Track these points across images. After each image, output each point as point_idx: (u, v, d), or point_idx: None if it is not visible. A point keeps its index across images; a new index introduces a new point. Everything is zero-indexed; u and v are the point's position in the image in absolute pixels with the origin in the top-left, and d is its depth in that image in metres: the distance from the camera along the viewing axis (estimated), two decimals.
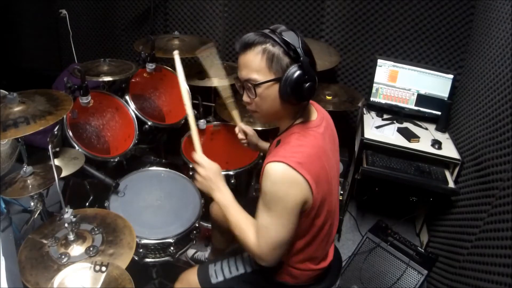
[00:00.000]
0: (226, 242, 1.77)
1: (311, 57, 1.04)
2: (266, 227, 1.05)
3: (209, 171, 1.19)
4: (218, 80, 2.19)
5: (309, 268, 1.24)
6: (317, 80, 1.05)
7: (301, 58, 1.00)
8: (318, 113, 1.17)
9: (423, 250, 1.82)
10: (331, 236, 1.26)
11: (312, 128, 1.11)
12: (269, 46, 1.01)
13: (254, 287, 1.30)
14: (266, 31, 1.03)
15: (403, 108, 2.32)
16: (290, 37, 1.01)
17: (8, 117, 1.16)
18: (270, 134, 1.31)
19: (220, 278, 1.31)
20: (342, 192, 2.29)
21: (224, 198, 1.18)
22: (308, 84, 1.02)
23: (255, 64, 1.02)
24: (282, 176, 1.00)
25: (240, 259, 1.34)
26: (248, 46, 1.03)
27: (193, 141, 1.26)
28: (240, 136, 1.54)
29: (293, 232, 1.06)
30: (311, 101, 1.18)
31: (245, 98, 1.10)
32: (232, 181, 1.88)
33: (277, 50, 1.01)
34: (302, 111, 1.12)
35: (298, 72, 1.00)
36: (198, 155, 1.22)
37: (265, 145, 1.56)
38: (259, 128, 2.01)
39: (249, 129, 1.54)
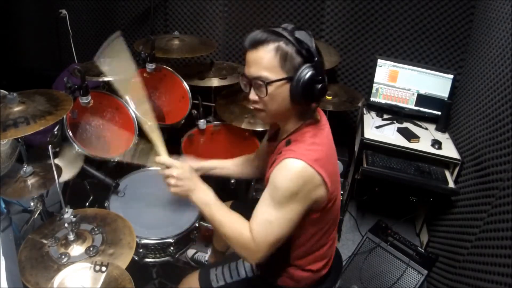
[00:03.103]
0: (227, 245, 1.77)
1: (322, 57, 1.03)
2: (270, 222, 1.02)
3: (184, 170, 1.14)
4: (218, 80, 2.20)
5: (316, 268, 1.23)
6: (326, 79, 1.03)
7: (315, 58, 0.99)
8: (320, 113, 1.18)
9: (423, 250, 1.82)
10: (336, 233, 1.27)
11: (322, 127, 1.12)
12: (282, 44, 0.99)
13: None
14: (278, 29, 1.01)
15: (403, 108, 2.32)
16: (303, 36, 1.00)
17: (8, 117, 1.16)
18: (268, 139, 1.30)
19: (221, 283, 1.30)
20: (342, 192, 2.29)
21: (207, 196, 1.13)
22: (320, 85, 1.00)
23: (266, 61, 1.00)
24: (300, 173, 0.98)
25: (241, 264, 1.33)
26: (260, 42, 1.00)
27: (155, 144, 1.20)
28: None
29: (293, 230, 1.05)
30: None
31: (253, 96, 1.06)
32: (232, 181, 1.88)
33: (290, 49, 0.99)
34: (311, 112, 1.11)
35: (311, 72, 0.98)
36: (165, 157, 1.18)
37: (211, 164, 1.47)
38: (260, 129, 2.01)
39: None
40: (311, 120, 1.11)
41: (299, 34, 1.00)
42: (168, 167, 1.16)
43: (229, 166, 1.53)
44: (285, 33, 0.99)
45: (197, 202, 1.14)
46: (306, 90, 0.99)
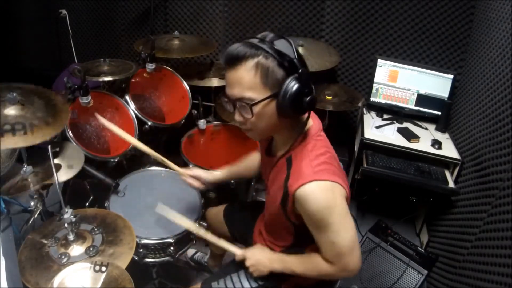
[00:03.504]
0: (222, 250, 1.76)
1: (305, 65, 0.97)
2: (333, 242, 1.02)
3: (253, 257, 1.20)
4: (218, 80, 2.20)
5: None
6: (314, 89, 0.99)
7: (300, 70, 0.93)
8: (312, 116, 1.13)
9: (423, 250, 1.82)
10: None
11: (318, 133, 1.09)
12: (261, 59, 0.92)
13: None
14: (255, 41, 0.94)
15: (403, 108, 2.32)
16: (283, 46, 0.93)
17: (7, 119, 1.14)
18: (264, 150, 1.26)
19: None
20: None
21: (283, 265, 1.16)
22: (308, 97, 0.95)
23: (247, 81, 0.93)
24: (322, 191, 0.97)
25: (243, 274, 1.30)
26: (237, 60, 0.93)
27: (226, 248, 1.29)
28: (195, 184, 1.43)
29: (355, 229, 1.04)
30: None
31: (238, 117, 1.01)
32: (232, 181, 1.88)
33: (270, 63, 0.92)
34: (304, 123, 1.06)
35: (296, 86, 0.92)
36: (238, 253, 1.24)
37: (220, 175, 1.48)
38: None
39: (197, 171, 1.44)
40: (305, 131, 1.07)
41: (279, 44, 0.93)
42: (244, 259, 1.22)
43: (241, 170, 1.52)
44: (264, 46, 0.92)
45: (278, 270, 1.17)
46: (294, 104, 0.94)
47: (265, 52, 0.92)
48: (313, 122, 1.11)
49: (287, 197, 1.04)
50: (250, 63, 0.92)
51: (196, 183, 1.43)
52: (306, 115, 1.05)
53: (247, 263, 1.21)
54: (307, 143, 1.05)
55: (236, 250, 1.26)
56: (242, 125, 1.04)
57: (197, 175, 1.43)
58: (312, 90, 0.97)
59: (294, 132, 1.06)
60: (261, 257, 1.20)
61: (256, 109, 0.96)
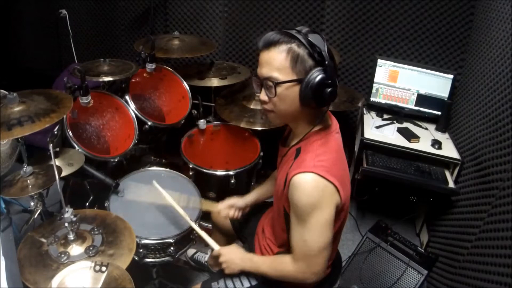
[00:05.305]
0: (226, 245, 1.76)
1: (334, 62, 1.03)
2: (305, 240, 1.05)
3: (227, 255, 1.26)
4: (218, 80, 2.20)
5: None
6: (337, 83, 1.03)
7: (327, 62, 0.99)
8: (331, 117, 1.17)
9: (423, 250, 1.82)
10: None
11: (331, 133, 1.12)
12: (294, 46, 0.99)
13: None
14: (292, 31, 1.02)
15: (403, 108, 2.32)
16: (316, 39, 1.00)
17: (10, 116, 1.16)
18: (280, 141, 1.31)
19: None
20: None
21: (251, 265, 1.23)
22: (330, 89, 1.00)
23: (278, 62, 1.00)
24: (314, 186, 1.00)
25: (244, 273, 1.31)
26: (272, 43, 1.01)
27: (207, 241, 1.36)
28: (236, 214, 1.53)
29: (331, 238, 1.07)
30: None
31: (263, 96, 1.08)
32: (232, 181, 1.88)
33: (302, 51, 0.99)
34: (321, 117, 1.10)
35: (321, 76, 0.98)
36: (215, 249, 1.30)
37: (254, 196, 1.55)
38: (259, 128, 2.01)
39: (229, 200, 1.53)
40: (321, 126, 1.11)
41: (313, 37, 1.00)
42: (218, 256, 1.29)
43: (268, 189, 1.55)
44: (298, 35, 0.99)
45: (249, 270, 1.25)
46: (316, 93, 0.99)
47: (298, 41, 0.99)
48: (331, 122, 1.15)
49: (286, 182, 1.07)
50: (283, 47, 1.00)
51: (236, 213, 1.52)
52: (325, 109, 1.10)
53: (221, 260, 1.26)
54: (319, 139, 1.09)
55: (214, 246, 1.32)
56: (265, 105, 1.09)
57: (230, 203, 1.52)
58: (335, 84, 1.02)
59: (311, 125, 1.10)
60: (234, 256, 1.26)
61: (280, 89, 1.02)
